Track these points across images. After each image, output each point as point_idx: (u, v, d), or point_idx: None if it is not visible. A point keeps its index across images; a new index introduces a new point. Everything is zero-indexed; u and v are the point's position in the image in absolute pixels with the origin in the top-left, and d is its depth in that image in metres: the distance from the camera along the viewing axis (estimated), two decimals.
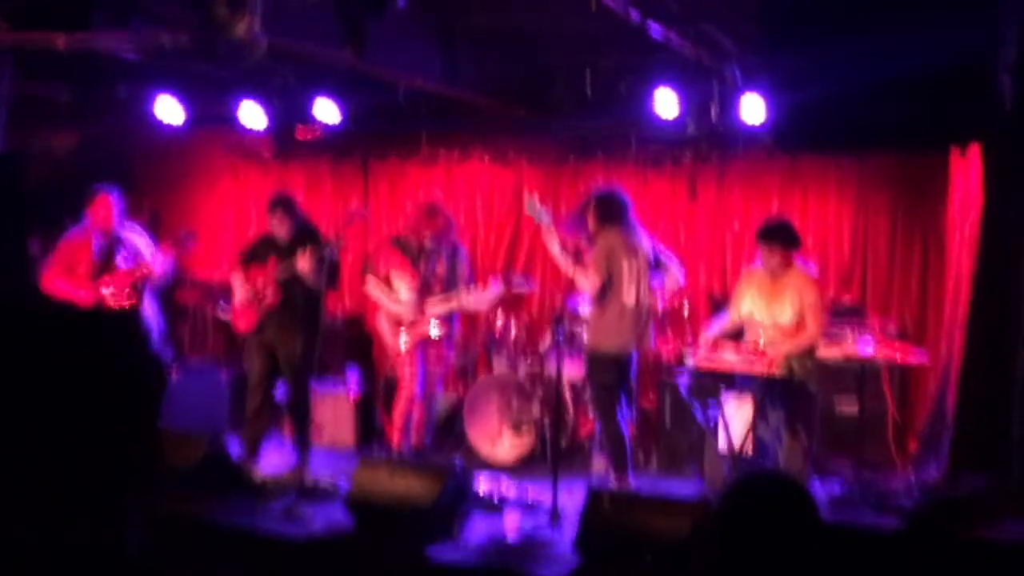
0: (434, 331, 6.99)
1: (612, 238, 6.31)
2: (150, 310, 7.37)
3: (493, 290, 6.99)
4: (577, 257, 6.45)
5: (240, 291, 7.01)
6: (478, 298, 7.02)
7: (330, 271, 6.76)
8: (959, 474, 6.33)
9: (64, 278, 7.08)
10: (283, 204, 7.00)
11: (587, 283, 6.29)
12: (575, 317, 7.46)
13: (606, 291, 6.27)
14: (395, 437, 7.17)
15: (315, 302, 6.78)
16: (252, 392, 7.05)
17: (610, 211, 6.38)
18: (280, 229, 6.93)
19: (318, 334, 6.83)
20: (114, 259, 7.16)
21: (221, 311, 8.60)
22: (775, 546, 2.30)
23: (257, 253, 7.04)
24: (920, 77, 5.34)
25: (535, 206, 6.51)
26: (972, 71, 5.41)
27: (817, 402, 6.39)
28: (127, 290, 7.14)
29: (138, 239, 7.33)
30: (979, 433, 6.37)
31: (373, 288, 7.21)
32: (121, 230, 7.25)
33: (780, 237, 6.24)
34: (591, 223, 6.37)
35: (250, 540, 5.60)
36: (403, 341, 7.05)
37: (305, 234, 6.95)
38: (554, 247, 6.41)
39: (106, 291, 7.07)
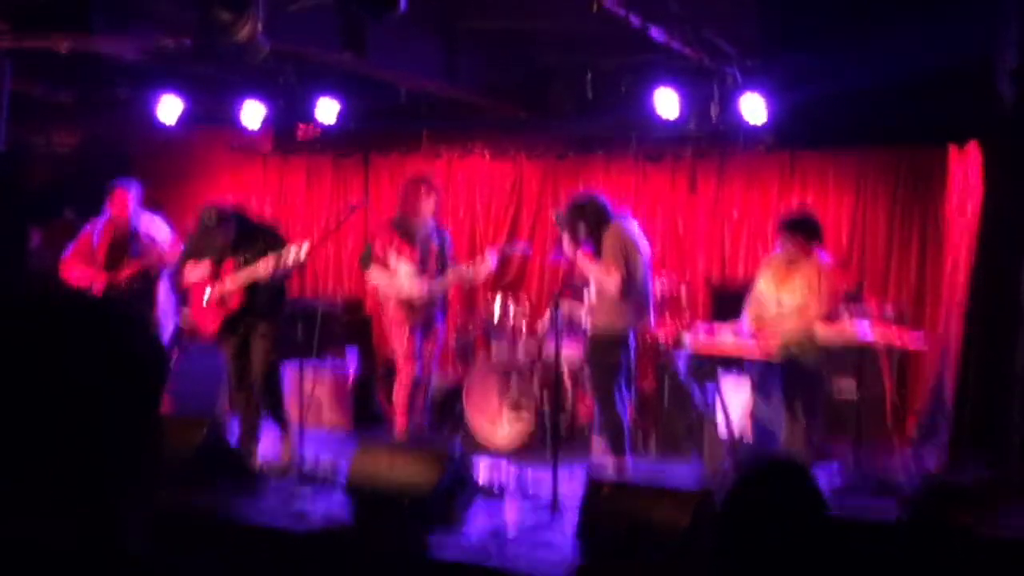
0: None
1: (617, 233, 6.35)
2: (164, 298, 7.48)
3: (490, 260, 7.08)
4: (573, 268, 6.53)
5: (197, 287, 6.83)
6: (476, 270, 7.11)
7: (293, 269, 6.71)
8: (958, 459, 6.39)
9: (81, 266, 7.29)
10: (217, 221, 6.68)
11: (611, 281, 6.27)
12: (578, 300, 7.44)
13: (628, 284, 6.29)
14: (399, 419, 7.16)
15: (279, 288, 6.81)
16: (237, 388, 6.95)
17: (601, 213, 6.41)
18: (217, 236, 6.73)
19: (283, 315, 6.89)
20: (129, 249, 7.30)
21: (183, 321, 8.47)
22: (778, 535, 2.31)
23: (202, 249, 6.81)
24: (918, 76, 5.35)
25: (560, 217, 6.53)
26: (971, 69, 5.42)
27: (818, 383, 6.43)
28: (140, 278, 7.24)
29: (156, 230, 7.46)
30: (977, 417, 6.43)
31: (376, 277, 7.19)
32: (138, 221, 7.41)
33: (803, 229, 6.37)
34: (588, 230, 6.35)
35: (248, 527, 5.64)
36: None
37: (248, 231, 6.77)
38: (578, 258, 6.38)
39: (120, 279, 7.19)
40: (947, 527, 5.09)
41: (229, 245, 6.74)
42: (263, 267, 6.54)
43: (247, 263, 6.63)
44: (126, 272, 7.27)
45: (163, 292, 7.51)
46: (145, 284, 7.36)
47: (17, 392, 1.16)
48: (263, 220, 7.24)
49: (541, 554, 5.19)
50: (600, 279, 6.32)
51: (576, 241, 6.36)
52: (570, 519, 5.40)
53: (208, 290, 6.80)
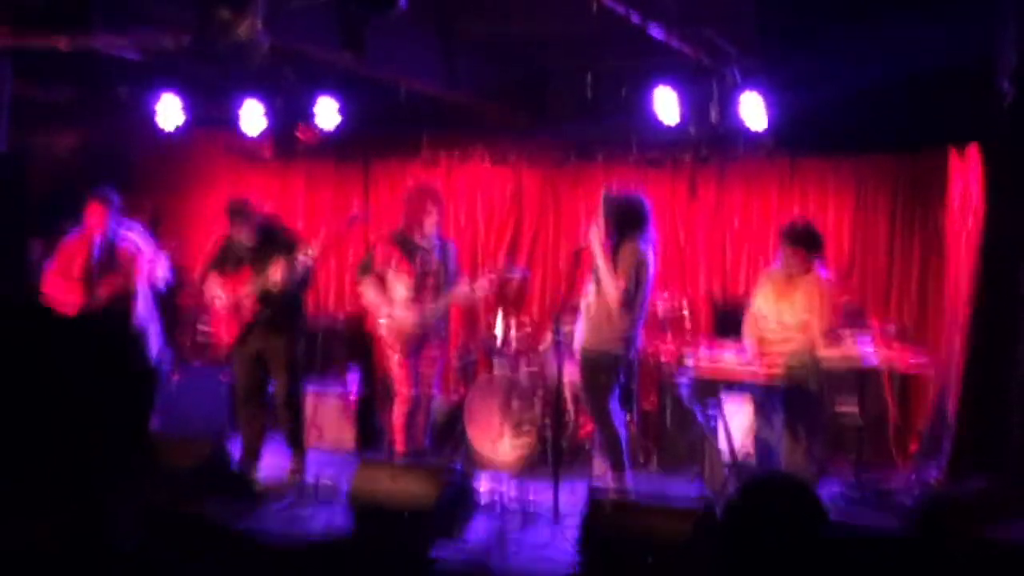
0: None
1: (636, 250, 6.23)
2: (146, 312, 7.37)
3: (486, 284, 6.96)
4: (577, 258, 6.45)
5: (219, 298, 6.85)
6: (473, 289, 6.97)
7: (304, 276, 6.72)
8: (960, 474, 6.34)
9: (61, 280, 7.15)
10: (237, 213, 6.81)
11: (614, 289, 6.16)
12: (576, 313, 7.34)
13: (628, 297, 6.17)
14: (398, 440, 7.04)
15: (295, 303, 6.78)
16: (243, 404, 6.93)
17: (636, 219, 6.30)
18: (240, 235, 6.79)
19: (302, 334, 6.83)
20: (106, 263, 7.18)
21: (200, 331, 8.46)
22: (780, 547, 2.29)
23: (228, 259, 6.87)
24: (919, 78, 5.35)
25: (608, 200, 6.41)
26: (970, 72, 5.42)
27: (818, 403, 6.38)
28: (119, 292, 7.15)
29: (136, 241, 7.36)
30: (979, 434, 6.38)
31: (369, 291, 7.04)
32: (117, 233, 7.27)
33: (804, 240, 6.32)
34: (616, 227, 6.26)
35: (250, 544, 5.59)
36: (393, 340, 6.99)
37: (271, 237, 6.81)
38: (595, 243, 6.26)
39: (98, 297, 7.10)
40: (948, 539, 5.03)
41: (248, 253, 6.75)
42: (274, 273, 6.54)
43: (262, 270, 6.63)
44: (105, 290, 7.13)
45: (142, 308, 7.35)
46: (123, 301, 7.19)
47: (10, 398, 1.16)
48: (286, 227, 7.20)
49: (542, 568, 5.17)
50: (605, 280, 6.20)
51: (607, 231, 6.26)
52: (571, 534, 5.36)
53: (224, 298, 6.80)
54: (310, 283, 7.03)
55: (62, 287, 7.13)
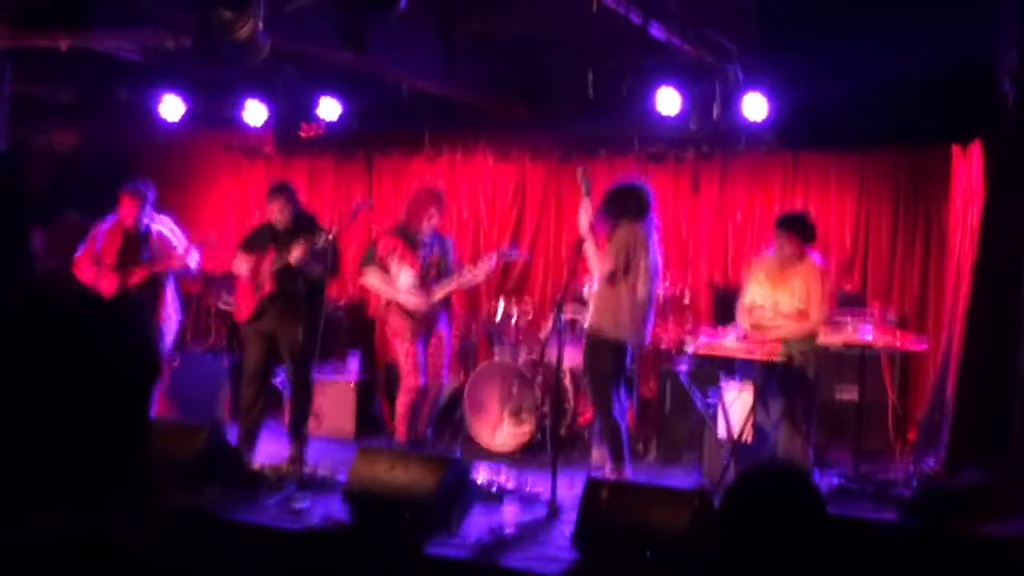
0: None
1: (631, 232, 6.31)
2: (172, 304, 7.48)
3: (489, 263, 7.11)
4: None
5: (244, 274, 6.97)
6: (475, 273, 7.12)
7: (332, 259, 6.79)
8: (958, 465, 6.37)
9: (91, 267, 7.30)
10: (283, 191, 6.96)
11: (598, 266, 6.28)
12: (579, 302, 7.38)
13: (615, 279, 6.25)
14: (400, 428, 7.12)
15: (316, 289, 6.82)
16: (248, 382, 6.95)
17: (631, 205, 6.38)
18: (280, 217, 6.89)
19: (320, 321, 6.85)
20: (139, 252, 7.31)
21: (223, 304, 8.61)
22: (779, 539, 2.31)
23: (258, 241, 6.99)
24: (921, 76, 5.38)
25: (583, 174, 6.50)
26: (973, 69, 5.44)
27: (816, 388, 6.41)
28: (149, 282, 7.26)
29: (168, 233, 7.48)
30: (978, 423, 6.41)
31: (372, 278, 7.16)
32: (150, 224, 7.41)
33: (798, 228, 6.37)
34: (611, 212, 6.38)
35: (248, 531, 5.61)
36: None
37: (303, 223, 6.92)
38: (584, 220, 6.36)
39: (130, 284, 7.22)
40: (947, 530, 5.07)
41: (278, 234, 6.84)
42: (296, 251, 6.63)
43: (284, 249, 6.73)
44: (137, 278, 7.26)
45: (169, 295, 7.49)
46: (153, 288, 7.35)
47: (7, 392, 1.16)
48: (314, 216, 7.30)
49: (540, 556, 5.17)
50: (592, 261, 6.32)
51: (600, 216, 6.37)
52: (569, 521, 5.38)
53: (247, 271, 6.91)
54: (335, 271, 7.03)
55: (92, 273, 7.27)
